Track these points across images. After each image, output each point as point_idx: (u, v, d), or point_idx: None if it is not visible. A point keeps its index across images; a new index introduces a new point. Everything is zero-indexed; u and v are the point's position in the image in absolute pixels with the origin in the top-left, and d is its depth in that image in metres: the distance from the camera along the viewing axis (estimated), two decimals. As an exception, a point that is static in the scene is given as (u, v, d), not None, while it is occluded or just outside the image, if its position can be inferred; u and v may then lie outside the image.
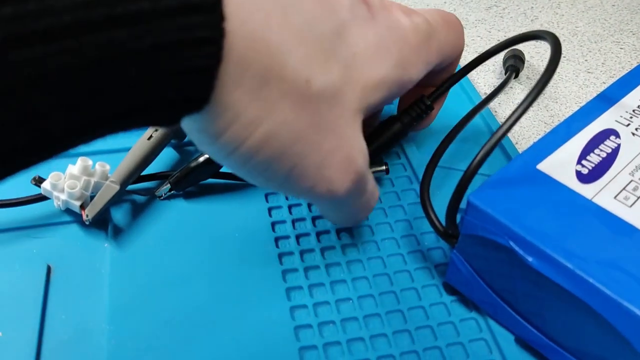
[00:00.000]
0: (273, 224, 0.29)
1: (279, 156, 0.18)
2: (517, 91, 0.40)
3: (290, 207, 0.30)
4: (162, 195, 0.29)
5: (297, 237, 0.28)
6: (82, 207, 0.27)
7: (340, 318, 0.25)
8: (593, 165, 0.24)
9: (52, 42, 0.12)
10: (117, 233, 0.28)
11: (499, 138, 0.22)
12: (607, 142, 0.25)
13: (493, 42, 0.45)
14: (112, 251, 0.27)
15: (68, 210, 0.28)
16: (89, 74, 0.13)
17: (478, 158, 0.22)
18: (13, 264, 0.26)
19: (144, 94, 0.14)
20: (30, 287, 0.25)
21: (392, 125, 0.28)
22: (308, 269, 0.27)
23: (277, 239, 0.28)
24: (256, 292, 0.26)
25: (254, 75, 0.16)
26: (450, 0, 0.49)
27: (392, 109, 0.35)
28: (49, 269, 0.26)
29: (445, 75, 0.29)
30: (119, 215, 0.29)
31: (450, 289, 0.26)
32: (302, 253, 0.27)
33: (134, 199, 0.29)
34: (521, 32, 0.47)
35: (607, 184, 0.23)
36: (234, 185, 0.30)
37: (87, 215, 0.27)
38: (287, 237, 0.28)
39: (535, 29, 0.46)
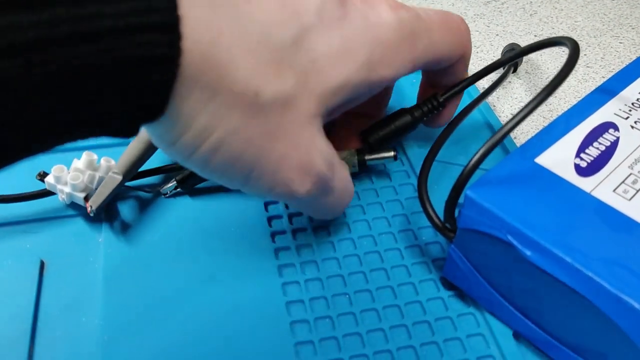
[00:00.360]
0: (269, 219, 0.28)
1: (234, 161, 0.19)
2: (516, 86, 0.40)
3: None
4: (167, 193, 0.29)
5: (294, 232, 0.28)
6: (86, 199, 0.27)
7: (336, 313, 0.25)
8: (592, 158, 0.24)
9: (17, 55, 0.13)
10: (112, 229, 0.27)
11: (502, 136, 0.22)
12: (606, 135, 0.25)
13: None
14: (106, 247, 0.27)
15: (63, 207, 0.28)
16: (50, 85, 0.14)
17: (477, 156, 0.22)
18: (6, 259, 0.26)
19: (102, 105, 0.15)
20: (24, 282, 0.25)
21: (402, 117, 0.29)
22: (304, 263, 0.27)
23: (273, 234, 0.28)
24: (252, 287, 0.25)
25: (204, 88, 0.17)
26: (448, -6, 0.49)
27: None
28: (42, 265, 0.26)
29: (451, 78, 0.28)
30: (114, 211, 0.28)
31: (447, 284, 0.26)
32: (298, 248, 0.27)
33: (137, 194, 0.29)
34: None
35: (606, 177, 0.23)
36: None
37: (91, 207, 0.27)
38: (283, 232, 0.28)
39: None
